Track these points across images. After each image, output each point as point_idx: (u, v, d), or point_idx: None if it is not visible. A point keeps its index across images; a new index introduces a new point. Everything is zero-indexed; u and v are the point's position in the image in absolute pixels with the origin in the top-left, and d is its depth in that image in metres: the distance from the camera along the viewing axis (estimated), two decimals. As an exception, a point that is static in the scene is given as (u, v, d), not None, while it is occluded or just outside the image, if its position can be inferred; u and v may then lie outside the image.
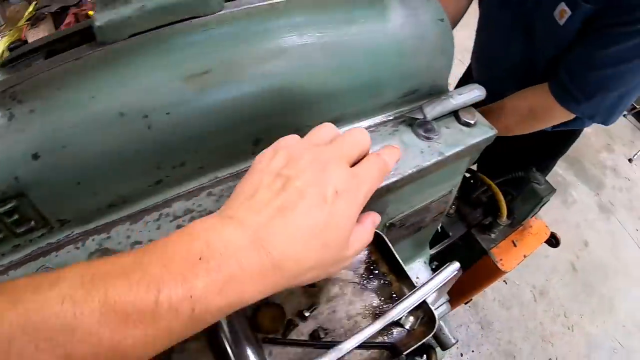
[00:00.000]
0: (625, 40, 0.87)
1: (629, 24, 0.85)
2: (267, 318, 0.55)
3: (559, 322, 2.41)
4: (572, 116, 1.05)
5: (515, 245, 1.24)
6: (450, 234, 1.14)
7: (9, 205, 0.48)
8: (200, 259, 0.27)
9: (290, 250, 0.31)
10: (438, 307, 1.03)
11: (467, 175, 1.25)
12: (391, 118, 0.69)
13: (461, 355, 2.17)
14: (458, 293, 1.32)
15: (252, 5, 0.55)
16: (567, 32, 0.96)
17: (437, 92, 0.74)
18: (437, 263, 1.39)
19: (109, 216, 0.53)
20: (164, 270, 0.26)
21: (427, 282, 0.63)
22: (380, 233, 0.67)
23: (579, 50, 0.96)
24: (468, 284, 1.24)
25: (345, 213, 0.34)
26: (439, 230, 1.14)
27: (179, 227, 0.50)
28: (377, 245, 0.68)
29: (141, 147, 0.49)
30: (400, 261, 0.66)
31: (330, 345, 0.55)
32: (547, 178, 1.60)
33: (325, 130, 0.42)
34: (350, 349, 0.53)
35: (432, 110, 0.68)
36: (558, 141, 1.44)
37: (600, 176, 3.24)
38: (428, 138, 0.67)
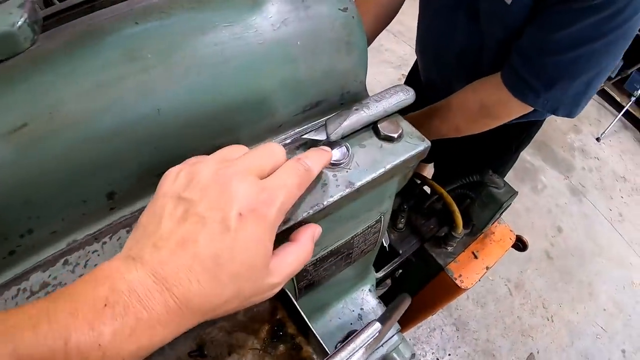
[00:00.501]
0: (581, 18, 0.73)
1: (583, 0, 0.72)
2: None
3: (537, 314, 2.34)
4: (530, 109, 0.92)
5: (476, 257, 1.12)
6: (401, 251, 1.01)
7: None
8: (105, 305, 0.26)
9: (194, 287, 0.29)
10: (387, 340, 0.90)
11: (417, 182, 1.12)
12: (288, 142, 0.55)
13: (437, 360, 2.07)
14: (414, 314, 1.20)
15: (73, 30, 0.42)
16: (516, 11, 0.82)
17: (351, 100, 0.60)
18: (389, 284, 1.26)
19: None
20: (70, 319, 0.25)
21: (344, 344, 0.50)
22: (284, 289, 0.53)
23: (531, 32, 0.82)
24: (425, 303, 1.12)
25: (254, 236, 0.32)
26: (387, 248, 1.00)
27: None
28: (282, 301, 0.54)
29: None
30: (308, 322, 0.52)
31: None
32: (514, 166, 1.49)
33: (234, 147, 0.40)
34: None
35: (337, 127, 0.53)
36: (518, 134, 1.32)
37: (569, 158, 3.19)
38: (333, 165, 0.52)
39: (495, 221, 1.17)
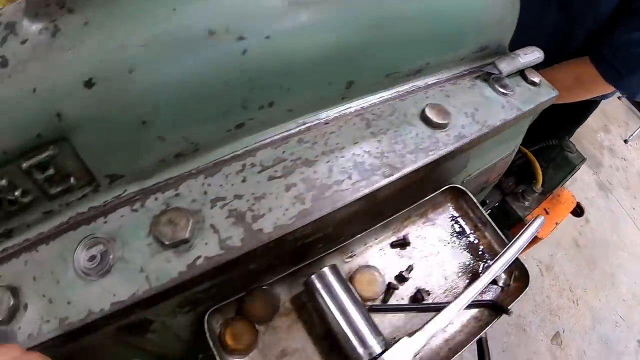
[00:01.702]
0: None
1: None
2: (257, 307, 0.50)
3: (564, 296, 2.47)
4: (613, 89, 1.07)
5: (547, 213, 1.26)
6: (487, 201, 1.15)
7: (43, 155, 0.39)
8: None
9: None
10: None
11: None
12: (466, 73, 0.68)
13: (474, 329, 2.20)
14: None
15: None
16: (608, 6, 0.98)
17: (501, 52, 0.74)
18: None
19: (174, 169, 0.45)
20: None
21: (518, 237, 0.62)
22: (462, 187, 0.66)
23: (621, 29, 0.98)
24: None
25: None
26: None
27: (270, 178, 0.46)
28: (460, 201, 0.67)
29: (231, 76, 0.41)
30: (487, 216, 0.65)
31: (435, 308, 0.55)
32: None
33: None
34: (459, 311, 0.52)
35: (507, 66, 0.68)
36: (578, 110, 1.47)
37: (598, 156, 3.32)
38: (504, 94, 0.67)
39: (564, 183, 1.30)
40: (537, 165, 1.18)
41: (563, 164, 1.23)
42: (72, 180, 0.42)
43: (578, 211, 1.37)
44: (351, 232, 0.55)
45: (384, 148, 0.51)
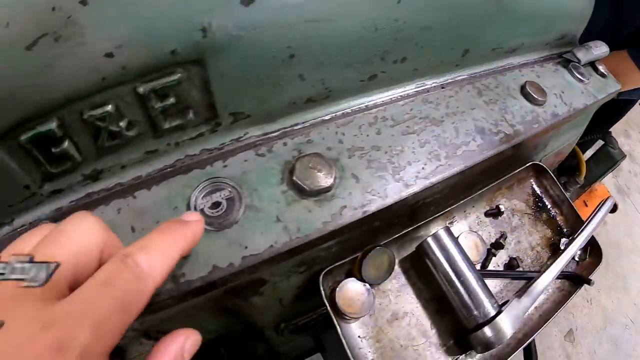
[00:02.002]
0: None
1: None
2: (371, 268, 0.48)
3: (579, 293, 2.49)
4: None
5: (586, 205, 1.27)
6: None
7: (170, 79, 0.33)
8: None
9: None
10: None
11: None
12: (548, 58, 0.70)
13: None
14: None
15: None
16: None
17: (574, 42, 0.75)
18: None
19: (302, 114, 0.43)
20: None
21: (594, 216, 0.64)
22: (543, 165, 0.67)
23: None
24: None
25: None
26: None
27: (404, 133, 0.46)
28: (541, 178, 0.68)
29: (382, 23, 0.40)
30: (565, 194, 0.66)
31: (527, 277, 0.57)
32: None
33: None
34: (552, 279, 0.54)
35: (584, 56, 0.70)
36: (616, 108, 1.49)
37: (616, 160, 3.36)
38: (581, 81, 0.68)
39: (603, 178, 1.31)
40: (582, 157, 1.19)
41: (604, 159, 1.24)
42: (190, 115, 0.37)
43: (613, 207, 1.39)
44: (454, 199, 0.55)
45: (496, 116, 0.52)
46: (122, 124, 0.34)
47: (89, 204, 0.37)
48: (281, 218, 0.37)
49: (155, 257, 0.26)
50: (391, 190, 0.40)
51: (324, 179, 0.38)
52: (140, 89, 0.33)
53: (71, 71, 0.30)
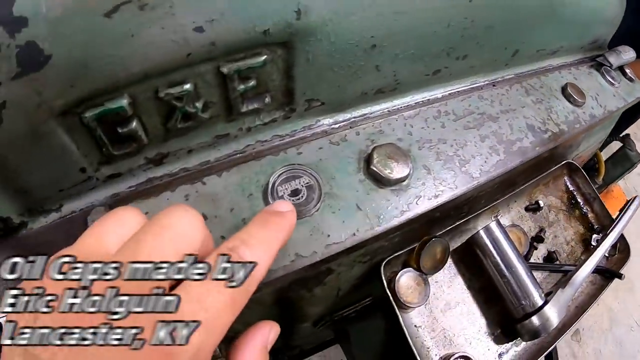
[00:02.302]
0: None
1: None
2: (428, 258, 0.50)
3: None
4: None
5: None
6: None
7: (256, 60, 0.32)
8: None
9: None
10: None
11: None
12: (581, 61, 0.73)
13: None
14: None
15: None
16: None
17: (604, 47, 0.78)
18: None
19: (371, 105, 0.44)
20: None
21: (623, 214, 0.67)
22: (576, 163, 0.69)
23: None
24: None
25: None
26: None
27: (466, 127, 0.48)
28: (574, 176, 0.70)
29: (454, 20, 0.41)
30: (596, 192, 0.69)
31: (565, 270, 0.60)
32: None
33: (100, 225, 0.24)
34: (588, 273, 0.56)
35: (615, 60, 0.73)
36: (632, 112, 1.51)
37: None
38: (612, 84, 0.71)
39: (619, 179, 1.34)
40: (602, 158, 1.21)
41: (622, 160, 1.26)
42: (267, 99, 0.37)
43: (627, 208, 1.41)
44: (500, 193, 0.58)
45: (544, 115, 0.55)
46: (199, 104, 0.33)
47: (150, 190, 0.36)
48: (361, 207, 0.39)
49: (259, 252, 0.24)
50: (460, 181, 0.43)
51: (401, 169, 0.40)
52: (225, 69, 0.31)
53: (154, 44, 0.27)
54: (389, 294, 0.48)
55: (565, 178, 0.70)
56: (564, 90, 0.61)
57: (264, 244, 0.25)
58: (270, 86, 0.36)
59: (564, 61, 0.68)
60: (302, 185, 0.38)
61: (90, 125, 0.30)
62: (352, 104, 0.43)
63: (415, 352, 0.47)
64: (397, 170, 0.40)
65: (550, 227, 0.64)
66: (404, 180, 0.41)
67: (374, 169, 0.40)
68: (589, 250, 0.67)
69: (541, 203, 0.64)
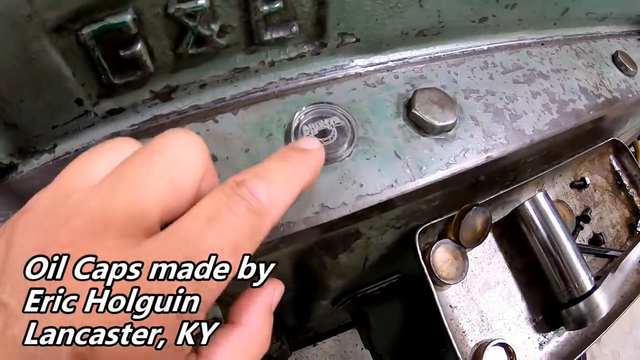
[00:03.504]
0: None
1: None
2: (468, 228, 0.45)
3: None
4: None
5: None
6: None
7: None
8: None
9: None
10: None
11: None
12: (628, 33, 0.67)
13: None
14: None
15: None
16: None
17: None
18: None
19: (413, 48, 0.39)
20: None
21: None
22: (622, 142, 0.64)
23: None
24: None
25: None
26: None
27: (515, 82, 0.43)
28: (619, 155, 0.65)
29: None
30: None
31: (611, 255, 0.55)
32: None
33: (90, 153, 0.21)
34: (638, 259, 0.51)
35: None
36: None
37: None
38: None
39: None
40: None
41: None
42: (294, 28, 0.32)
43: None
44: (547, 164, 0.53)
45: (596, 80, 0.50)
46: (214, 26, 0.29)
47: (155, 129, 0.32)
48: (400, 155, 0.34)
49: (276, 189, 0.21)
50: (511, 137, 0.38)
51: (446, 116, 0.35)
52: None
53: None
54: (424, 267, 0.42)
55: (611, 157, 0.65)
56: (614, 57, 0.56)
57: (283, 181, 0.21)
58: (298, 11, 0.31)
59: (612, 30, 0.63)
60: (332, 126, 0.33)
61: (88, 44, 0.26)
62: (391, 45, 0.38)
63: (451, 336, 0.42)
64: (442, 117, 0.35)
65: (596, 207, 0.59)
66: (449, 130, 0.36)
67: (416, 113, 0.35)
68: (634, 236, 0.61)
69: (587, 180, 0.59)
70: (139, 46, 0.28)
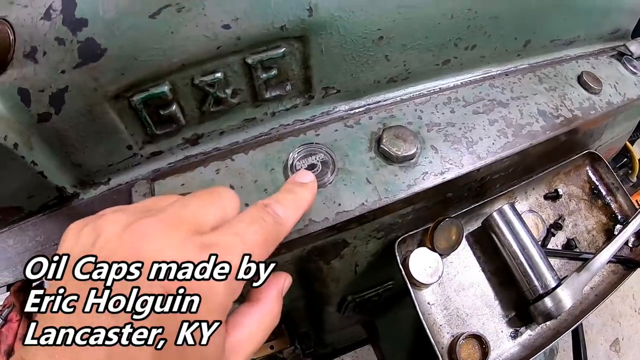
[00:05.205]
0: None
1: None
2: (443, 238, 0.52)
3: (627, 303, 2.41)
4: None
5: (639, 204, 1.26)
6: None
7: (276, 52, 0.38)
8: None
9: None
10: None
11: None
12: (601, 51, 0.72)
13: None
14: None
15: None
16: None
17: (626, 37, 0.77)
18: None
19: (385, 92, 0.48)
20: None
21: None
22: (598, 153, 0.69)
23: None
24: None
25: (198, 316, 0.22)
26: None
27: (475, 112, 0.50)
28: (596, 165, 0.70)
29: (457, 11, 0.44)
30: (620, 182, 0.68)
31: (584, 258, 0.60)
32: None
33: (163, 196, 0.31)
34: (606, 260, 0.57)
35: (638, 49, 0.73)
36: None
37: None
38: (634, 73, 0.71)
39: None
40: (635, 155, 1.18)
41: (658, 157, 1.22)
42: (287, 87, 0.42)
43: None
44: (517, 179, 0.59)
45: (556, 102, 0.56)
46: (228, 91, 0.40)
47: (186, 166, 0.43)
48: (370, 180, 0.43)
49: (289, 211, 0.31)
50: (466, 160, 0.45)
51: (408, 148, 0.43)
52: (250, 60, 0.38)
53: (190, 39, 0.34)
54: (402, 270, 0.50)
55: (587, 168, 0.70)
56: (579, 78, 0.61)
57: (293, 206, 0.32)
58: (290, 75, 0.42)
59: (582, 51, 0.69)
60: (318, 161, 0.43)
61: (137, 107, 0.37)
62: (367, 92, 0.47)
63: (426, 328, 0.50)
64: (404, 149, 0.43)
65: (570, 215, 0.65)
66: (411, 158, 0.44)
67: (384, 147, 0.43)
68: (611, 240, 0.67)
69: (560, 191, 0.65)
70: (174, 107, 0.39)
